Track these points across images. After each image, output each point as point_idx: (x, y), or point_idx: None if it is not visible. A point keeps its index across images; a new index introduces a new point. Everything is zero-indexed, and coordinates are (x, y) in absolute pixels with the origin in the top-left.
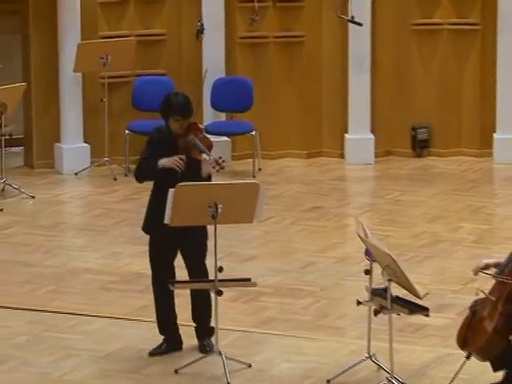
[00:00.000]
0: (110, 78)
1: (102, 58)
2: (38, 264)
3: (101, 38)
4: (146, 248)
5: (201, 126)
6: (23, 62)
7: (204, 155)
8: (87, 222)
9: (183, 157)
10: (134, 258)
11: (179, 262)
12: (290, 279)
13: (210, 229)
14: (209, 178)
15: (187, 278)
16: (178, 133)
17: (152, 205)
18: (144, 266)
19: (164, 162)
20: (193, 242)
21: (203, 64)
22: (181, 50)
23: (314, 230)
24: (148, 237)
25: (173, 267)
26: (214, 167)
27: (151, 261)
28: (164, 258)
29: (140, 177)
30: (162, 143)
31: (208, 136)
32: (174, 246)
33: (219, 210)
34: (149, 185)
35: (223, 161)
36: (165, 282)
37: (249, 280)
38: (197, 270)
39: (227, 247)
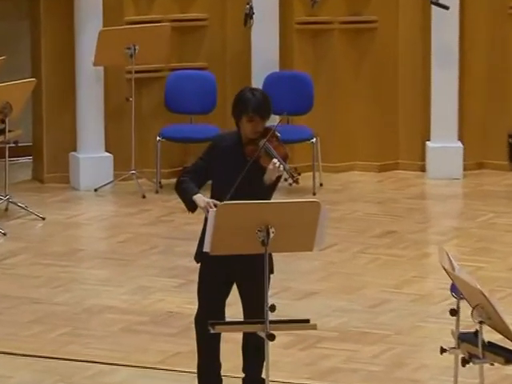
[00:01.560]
0: (138, 72)
1: (129, 49)
2: (48, 301)
3: (127, 23)
4: (181, 281)
5: (278, 134)
6: (32, 52)
7: (274, 160)
8: (109, 249)
9: (218, 203)
10: (167, 293)
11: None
12: (358, 321)
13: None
14: (272, 188)
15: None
16: (250, 137)
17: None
18: (178, 303)
19: (198, 199)
20: (254, 277)
21: (252, 55)
22: (225, 39)
23: (387, 260)
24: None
25: (223, 306)
26: (286, 180)
27: (199, 294)
28: (215, 293)
29: (178, 193)
30: (226, 151)
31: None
32: (230, 279)
33: (271, 235)
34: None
35: (299, 174)
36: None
37: (307, 321)
38: (255, 311)
39: (281, 281)
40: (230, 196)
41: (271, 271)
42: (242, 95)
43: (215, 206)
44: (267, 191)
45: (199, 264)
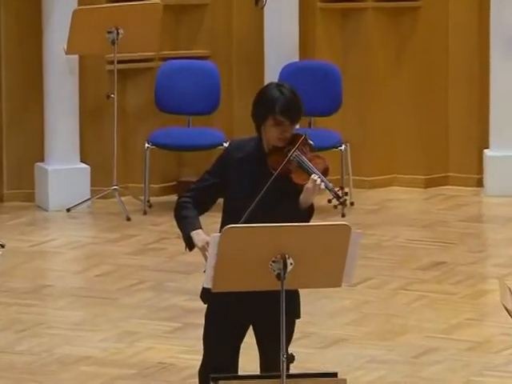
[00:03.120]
0: (121, 62)
1: (110, 33)
2: (8, 349)
3: (108, 1)
4: (176, 325)
5: (311, 142)
6: None
7: (314, 177)
8: (85, 284)
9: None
10: (157, 340)
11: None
12: (399, 374)
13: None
14: (308, 215)
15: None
16: (275, 144)
17: None
18: (173, 352)
19: (196, 236)
20: (276, 318)
21: (265, 42)
22: (231, 21)
23: (435, 298)
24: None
25: (236, 355)
26: (329, 201)
27: (205, 340)
28: (226, 339)
29: (176, 220)
30: (244, 163)
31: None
32: (246, 321)
33: (289, 267)
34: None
35: (346, 193)
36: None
37: (335, 375)
38: (275, 361)
39: (302, 324)
40: (247, 221)
41: (296, 314)
42: (267, 92)
43: None
44: (302, 218)
45: (206, 305)
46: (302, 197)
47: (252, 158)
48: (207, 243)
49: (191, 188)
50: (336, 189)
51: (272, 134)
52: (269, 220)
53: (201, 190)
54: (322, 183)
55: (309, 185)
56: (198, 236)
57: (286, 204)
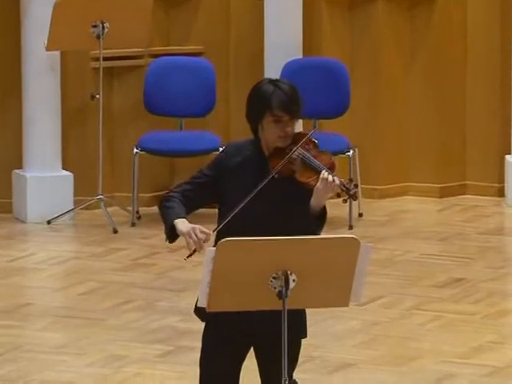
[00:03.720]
0: (108, 59)
1: (95, 27)
2: None
3: None
4: (167, 348)
5: (315, 140)
6: None
7: (325, 174)
8: (68, 303)
9: (208, 232)
10: (147, 365)
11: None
12: None
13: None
14: (322, 217)
15: None
16: (276, 144)
17: None
18: (163, 378)
19: (180, 224)
20: (280, 340)
21: (265, 37)
22: (227, 15)
23: (451, 319)
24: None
25: (235, 380)
26: (338, 195)
27: (201, 365)
28: (224, 362)
29: (160, 214)
30: (243, 168)
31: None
32: (247, 343)
33: (291, 285)
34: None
35: (355, 185)
36: None
37: None
38: None
39: (307, 347)
40: (244, 230)
41: (302, 334)
42: (261, 88)
43: (204, 233)
44: (313, 227)
45: (204, 324)
46: (313, 200)
47: (251, 163)
48: (193, 229)
49: (180, 184)
50: (345, 182)
51: (271, 133)
52: (276, 233)
53: (191, 186)
54: (335, 178)
55: (319, 185)
56: (182, 224)
57: (295, 211)
